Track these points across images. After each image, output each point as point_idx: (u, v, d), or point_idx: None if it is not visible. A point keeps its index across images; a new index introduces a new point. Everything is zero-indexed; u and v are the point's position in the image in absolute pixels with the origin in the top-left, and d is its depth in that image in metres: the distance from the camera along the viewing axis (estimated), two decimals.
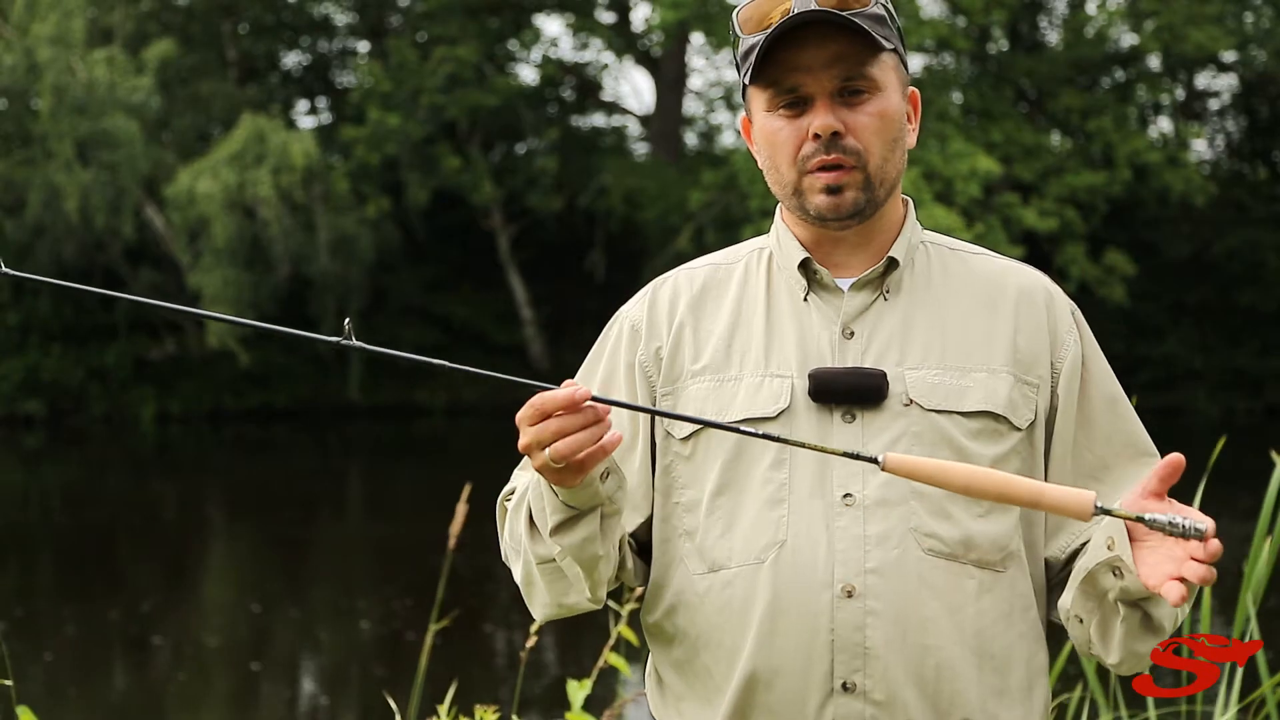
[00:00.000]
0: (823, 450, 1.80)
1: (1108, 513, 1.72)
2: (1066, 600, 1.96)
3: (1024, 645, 1.99)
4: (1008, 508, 1.97)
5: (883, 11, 2.00)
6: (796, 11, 1.95)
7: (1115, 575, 1.85)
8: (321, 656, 10.24)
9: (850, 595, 1.92)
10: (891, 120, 2.00)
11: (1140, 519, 1.72)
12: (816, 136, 1.97)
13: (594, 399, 1.81)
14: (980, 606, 1.95)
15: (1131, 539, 1.81)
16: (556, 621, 2.17)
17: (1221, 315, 27.78)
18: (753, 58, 1.98)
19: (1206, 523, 1.70)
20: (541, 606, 2.07)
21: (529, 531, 2.01)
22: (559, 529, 1.94)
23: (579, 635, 9.37)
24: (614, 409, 2.09)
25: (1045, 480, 2.02)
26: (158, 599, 11.96)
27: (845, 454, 1.79)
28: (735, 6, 2.04)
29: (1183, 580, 1.71)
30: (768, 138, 2.02)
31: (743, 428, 1.84)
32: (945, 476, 1.76)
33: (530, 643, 3.33)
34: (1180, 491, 1.77)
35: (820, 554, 1.93)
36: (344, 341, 1.83)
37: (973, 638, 1.94)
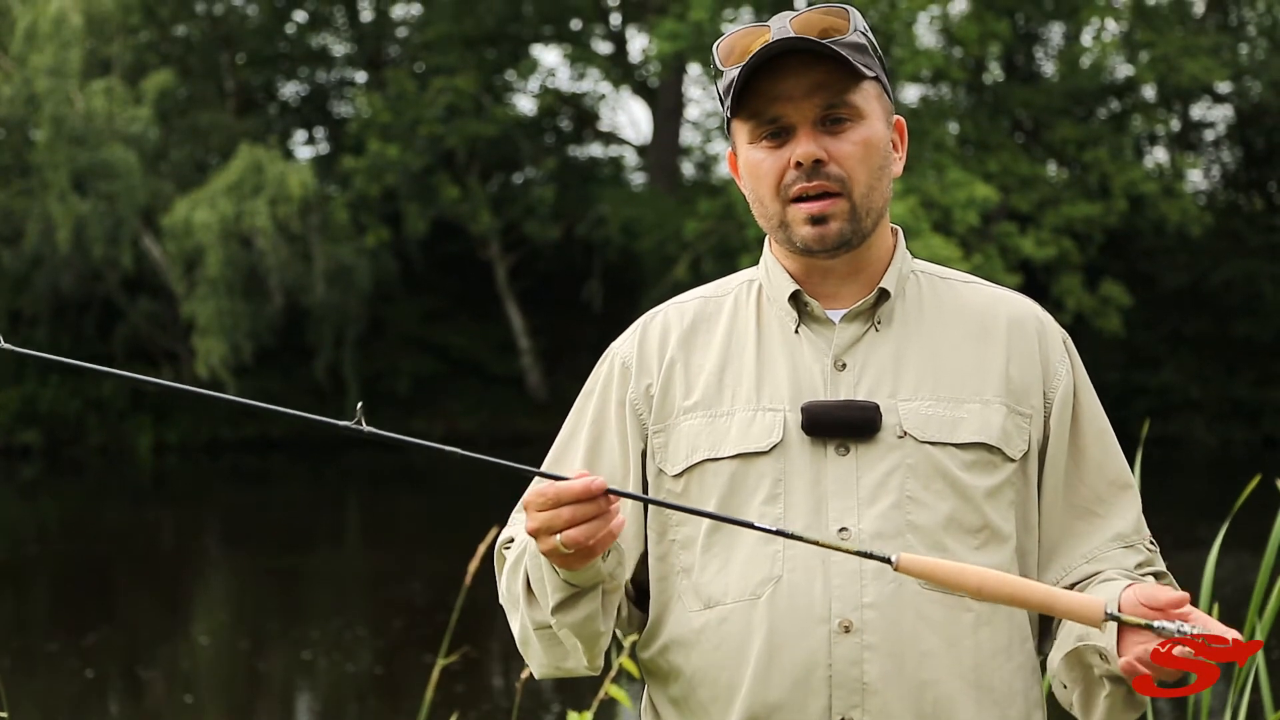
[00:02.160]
0: (837, 549, 1.79)
1: (1118, 619, 1.72)
2: (1054, 662, 1.96)
3: (1022, 677, 1.97)
4: (1003, 540, 1.96)
5: (863, 40, 1.98)
6: (775, 40, 1.94)
7: (1101, 659, 1.86)
8: (318, 688, 10.20)
9: (847, 630, 1.91)
10: (875, 148, 1.99)
11: (1149, 627, 1.72)
12: (799, 165, 1.96)
13: (609, 490, 1.79)
14: (978, 639, 1.94)
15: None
16: None
17: (1218, 345, 27.80)
18: (733, 89, 1.97)
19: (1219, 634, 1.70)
20: (539, 667, 2.06)
21: (527, 597, 1.99)
22: (560, 607, 1.93)
23: None
24: (609, 437, 2.09)
25: (1040, 512, 2.02)
26: (154, 629, 11.93)
27: (858, 553, 1.78)
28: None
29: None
30: (751, 170, 2.01)
31: (756, 522, 1.85)
32: (958, 579, 1.75)
33: (525, 674, 3.32)
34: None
35: (816, 589, 1.92)
36: (354, 426, 1.82)
37: (971, 671, 1.93)
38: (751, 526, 1.83)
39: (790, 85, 1.95)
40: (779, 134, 1.98)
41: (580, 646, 1.98)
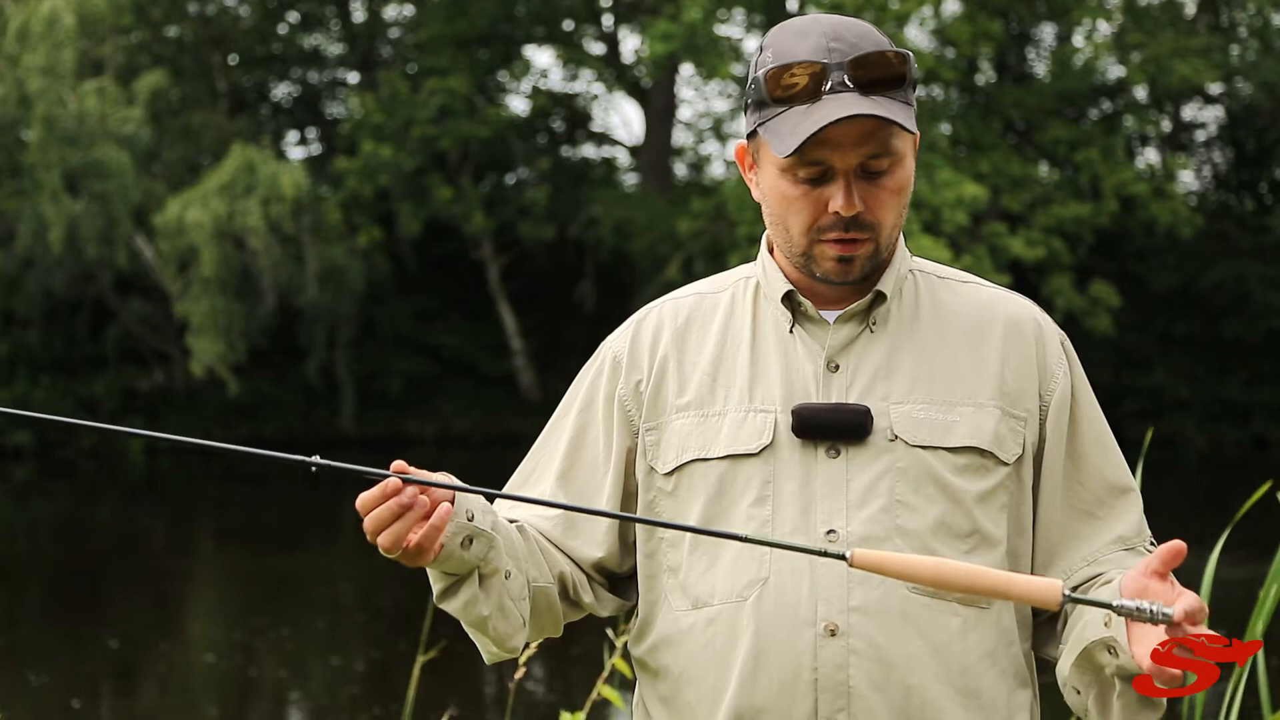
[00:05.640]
0: (794, 549, 1.81)
1: (1075, 600, 1.73)
2: (1064, 669, 1.93)
3: (1007, 683, 1.97)
4: (994, 544, 1.96)
5: (909, 72, 1.94)
6: (834, 100, 1.88)
7: (1111, 653, 1.84)
8: (310, 689, 10.20)
9: (833, 634, 1.91)
10: (906, 188, 1.97)
11: (1108, 605, 1.72)
12: (838, 213, 1.93)
13: (406, 480, 1.81)
14: (965, 644, 1.93)
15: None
16: (547, 651, 2.18)
17: (1209, 346, 27.84)
18: (780, 130, 1.90)
19: (1175, 608, 1.69)
20: (483, 652, 2.08)
21: None
22: (443, 596, 1.96)
23: (570, 665, 9.34)
24: (593, 429, 2.09)
25: (1035, 516, 2.01)
26: (146, 630, 11.92)
27: (813, 551, 1.79)
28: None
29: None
30: (780, 197, 1.96)
31: (725, 531, 1.87)
32: (913, 570, 1.76)
33: (519, 674, 3.32)
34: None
35: (803, 592, 1.92)
36: (313, 464, 1.86)
37: (957, 676, 1.93)
38: (733, 538, 1.82)
39: (841, 133, 1.90)
40: (819, 176, 1.93)
41: (476, 632, 2.00)
